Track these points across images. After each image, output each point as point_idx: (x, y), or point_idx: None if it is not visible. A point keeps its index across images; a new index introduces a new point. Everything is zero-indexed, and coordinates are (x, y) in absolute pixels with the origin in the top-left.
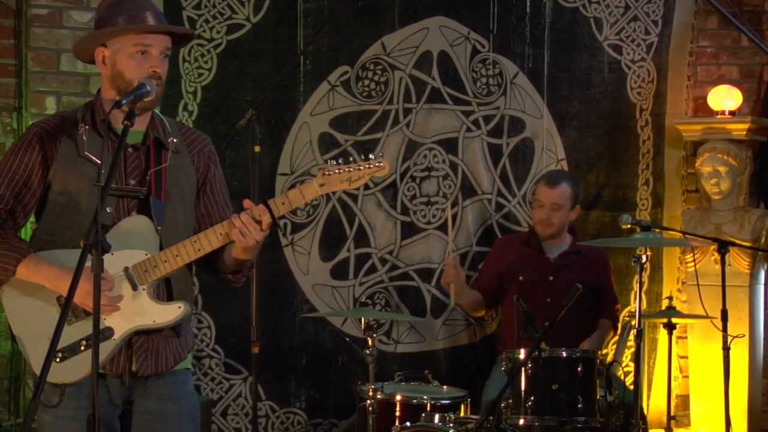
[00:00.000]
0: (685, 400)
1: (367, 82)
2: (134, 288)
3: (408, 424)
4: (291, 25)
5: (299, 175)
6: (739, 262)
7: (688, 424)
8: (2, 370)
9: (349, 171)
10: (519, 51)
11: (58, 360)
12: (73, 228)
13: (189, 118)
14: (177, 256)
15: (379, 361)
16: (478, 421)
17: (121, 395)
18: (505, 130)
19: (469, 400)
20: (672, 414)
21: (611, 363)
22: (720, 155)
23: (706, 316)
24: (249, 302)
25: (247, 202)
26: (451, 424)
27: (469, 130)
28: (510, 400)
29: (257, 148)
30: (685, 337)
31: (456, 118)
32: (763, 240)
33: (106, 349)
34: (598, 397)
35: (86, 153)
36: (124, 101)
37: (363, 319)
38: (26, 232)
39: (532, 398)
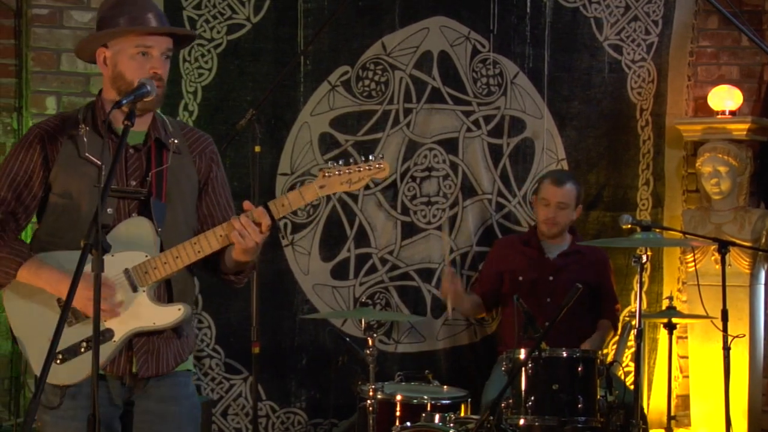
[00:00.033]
0: (685, 400)
1: (367, 82)
2: (134, 290)
3: (408, 424)
4: (291, 25)
5: (299, 175)
6: (739, 262)
7: (689, 424)
8: (3, 370)
9: (349, 173)
10: (519, 51)
11: (58, 362)
12: (74, 229)
13: (189, 118)
14: (177, 257)
15: (379, 361)
16: (478, 421)
17: (121, 396)
18: (505, 130)
19: (469, 400)
20: (672, 414)
21: (611, 363)
22: (720, 155)
23: (707, 316)
24: (249, 302)
25: (246, 204)
26: (452, 424)
27: (469, 130)
28: (510, 400)
29: (257, 148)
30: (686, 337)
31: (456, 118)
32: (763, 240)
33: (106, 350)
34: (598, 397)
35: (87, 154)
36: (124, 101)
37: (363, 319)
38: (26, 234)
39: (532, 398)
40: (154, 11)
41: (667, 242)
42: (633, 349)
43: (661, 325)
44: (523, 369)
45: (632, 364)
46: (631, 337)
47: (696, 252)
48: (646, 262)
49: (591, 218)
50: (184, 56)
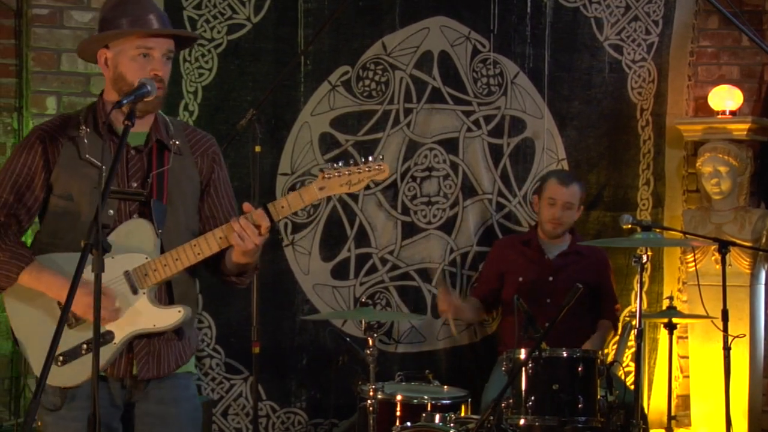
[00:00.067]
0: (685, 400)
1: (367, 82)
2: (134, 292)
3: (408, 424)
4: (292, 25)
5: (300, 175)
6: (739, 262)
7: (689, 424)
8: (3, 370)
9: (349, 174)
10: (520, 51)
11: (59, 364)
12: (74, 231)
13: (190, 118)
14: (177, 260)
15: (379, 361)
16: (479, 421)
17: (122, 398)
18: (505, 130)
19: (469, 400)
20: (673, 414)
21: (612, 363)
22: (720, 155)
23: (707, 316)
24: (249, 302)
25: (246, 206)
26: (452, 424)
27: (469, 130)
28: (510, 400)
29: (258, 148)
30: (686, 337)
31: (457, 118)
32: (763, 240)
33: (106, 352)
34: (598, 397)
35: (87, 156)
36: (124, 101)
37: (363, 319)
38: (27, 236)
39: (532, 398)
40: (156, 12)
41: (668, 242)
42: (633, 349)
43: (662, 325)
44: (524, 369)
45: (632, 364)
46: (632, 337)
47: (696, 252)
48: (646, 262)
49: (591, 218)
50: (184, 56)
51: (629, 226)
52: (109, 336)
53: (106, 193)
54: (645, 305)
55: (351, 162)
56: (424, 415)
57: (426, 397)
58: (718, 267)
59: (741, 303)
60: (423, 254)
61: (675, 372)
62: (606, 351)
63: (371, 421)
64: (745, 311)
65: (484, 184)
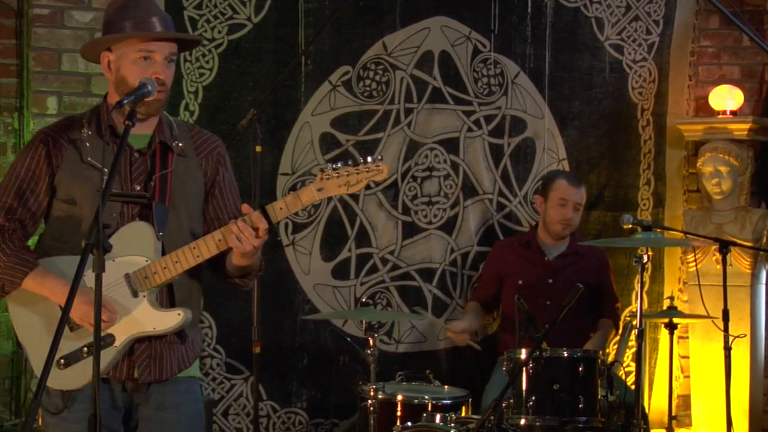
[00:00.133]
0: (686, 400)
1: (368, 82)
2: (135, 295)
3: (409, 424)
4: (292, 25)
5: (300, 175)
6: (740, 262)
7: (690, 424)
8: (4, 369)
9: (347, 175)
10: (520, 51)
11: (61, 367)
12: (77, 234)
13: (190, 117)
14: (176, 262)
15: (380, 361)
16: (479, 421)
17: (123, 400)
18: (506, 130)
19: (470, 400)
20: (673, 414)
21: (612, 363)
22: (721, 155)
23: (708, 316)
24: (250, 302)
25: (245, 207)
26: (453, 424)
27: (470, 130)
28: (511, 400)
29: (258, 148)
30: (687, 337)
31: (457, 118)
32: (764, 240)
33: (107, 355)
34: (599, 397)
35: (89, 159)
36: (125, 101)
37: (364, 319)
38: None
39: (533, 398)
40: (159, 15)
41: (668, 242)
42: (634, 349)
43: (662, 325)
44: (524, 369)
45: (633, 364)
46: (632, 337)
47: (697, 252)
48: (647, 262)
49: (592, 218)
50: (185, 56)
51: (630, 226)
52: (109, 339)
53: (107, 193)
54: (646, 305)
55: (350, 162)
56: (424, 415)
57: (427, 397)
58: (719, 267)
59: (742, 303)
60: (424, 254)
61: (676, 372)
62: (607, 351)
63: (372, 421)
64: (745, 311)
65: (484, 184)
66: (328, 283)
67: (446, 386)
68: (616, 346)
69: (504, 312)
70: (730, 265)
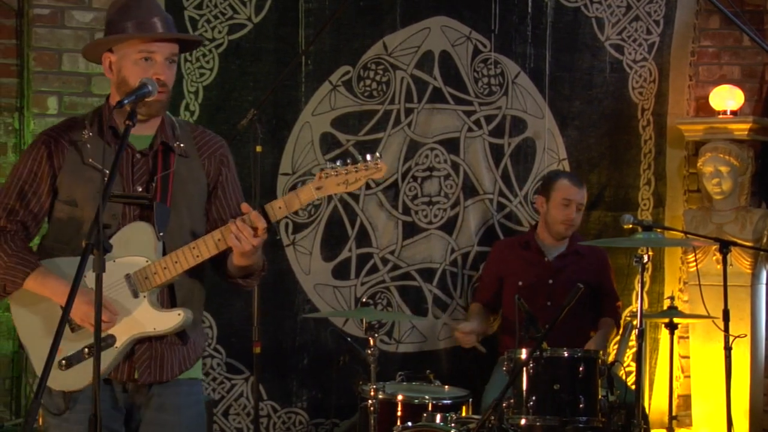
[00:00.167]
0: (686, 400)
1: (368, 82)
2: (135, 295)
3: (410, 424)
4: (292, 25)
5: (301, 175)
6: (740, 262)
7: (690, 424)
8: (4, 369)
9: (346, 173)
10: (520, 51)
11: (63, 368)
12: (79, 235)
13: (191, 118)
14: (176, 262)
15: (380, 361)
16: (480, 421)
17: (124, 401)
18: (506, 130)
19: (470, 400)
20: (674, 414)
21: (613, 363)
22: (722, 155)
23: (708, 316)
24: (250, 302)
25: (244, 207)
26: (453, 424)
27: (470, 130)
28: (511, 400)
29: (259, 148)
30: (687, 337)
31: (458, 117)
32: (764, 240)
33: (108, 356)
34: (599, 397)
35: (90, 160)
36: (125, 101)
37: (364, 319)
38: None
39: (533, 398)
40: (160, 15)
41: (669, 242)
42: (634, 349)
43: (663, 325)
44: (525, 369)
45: (633, 364)
46: (633, 337)
47: (697, 252)
48: (647, 262)
49: (592, 218)
50: (185, 56)
51: (630, 226)
52: (110, 340)
53: (107, 192)
54: (646, 305)
55: (348, 161)
56: (425, 415)
57: (427, 397)
58: (719, 267)
59: (742, 303)
60: (424, 254)
61: (676, 372)
62: (607, 351)
63: (372, 421)
64: (746, 311)
65: (485, 184)
66: (328, 283)
67: (446, 386)
68: (616, 346)
69: (504, 313)
70: (731, 265)
